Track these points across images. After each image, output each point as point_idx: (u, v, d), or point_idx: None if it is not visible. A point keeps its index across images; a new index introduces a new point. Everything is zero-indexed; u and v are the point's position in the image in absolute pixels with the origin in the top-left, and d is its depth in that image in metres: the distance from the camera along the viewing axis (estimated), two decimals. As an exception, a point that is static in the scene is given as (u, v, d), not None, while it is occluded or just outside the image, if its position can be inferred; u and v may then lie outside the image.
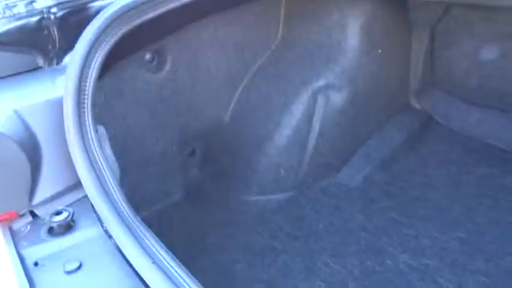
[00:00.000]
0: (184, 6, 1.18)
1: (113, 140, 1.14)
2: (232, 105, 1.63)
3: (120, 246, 0.78)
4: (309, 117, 1.52)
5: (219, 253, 1.37)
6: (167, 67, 1.43)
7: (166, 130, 1.47)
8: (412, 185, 1.55)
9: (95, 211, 0.87)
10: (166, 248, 0.80)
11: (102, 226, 0.87)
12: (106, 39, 0.98)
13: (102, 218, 0.82)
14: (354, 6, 1.55)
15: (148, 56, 1.37)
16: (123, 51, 1.25)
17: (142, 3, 1.09)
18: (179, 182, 1.62)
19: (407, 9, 1.71)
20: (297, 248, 1.35)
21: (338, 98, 1.54)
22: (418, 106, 1.86)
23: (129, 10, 1.06)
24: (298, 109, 1.52)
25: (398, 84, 1.81)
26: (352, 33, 1.53)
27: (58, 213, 0.91)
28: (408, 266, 1.26)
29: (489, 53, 1.63)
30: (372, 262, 1.28)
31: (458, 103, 1.79)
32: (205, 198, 1.61)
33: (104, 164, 0.84)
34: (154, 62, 1.40)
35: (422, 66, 1.81)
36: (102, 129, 0.98)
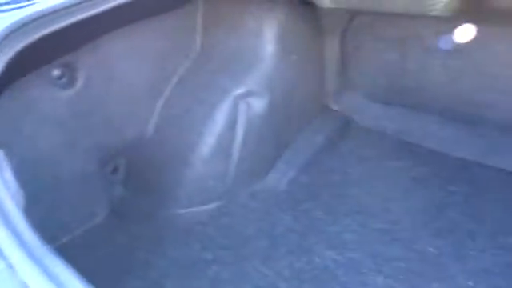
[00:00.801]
0: (94, 17, 1.13)
1: (21, 164, 1.06)
2: (153, 117, 1.60)
3: (25, 280, 0.72)
4: (231, 125, 1.54)
5: (148, 270, 1.33)
6: (80, 82, 1.37)
7: (83, 149, 1.40)
8: (334, 183, 1.62)
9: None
10: (79, 275, 0.75)
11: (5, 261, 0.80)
12: (1, 54, 0.91)
13: (3, 252, 0.76)
14: (268, 14, 1.60)
15: (56, 71, 1.29)
16: (25, 67, 1.17)
17: (45, 15, 1.03)
18: (103, 201, 1.55)
19: (318, 16, 1.80)
20: (227, 257, 1.35)
21: (258, 105, 1.57)
22: (335, 108, 1.96)
23: (29, 23, 1.00)
24: (220, 117, 1.53)
25: (316, 88, 1.90)
26: (267, 40, 1.58)
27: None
28: (334, 261, 1.31)
29: (392, 54, 1.77)
30: (301, 262, 1.32)
31: (370, 103, 1.91)
32: (131, 216, 1.56)
33: (2, 193, 0.78)
34: (64, 78, 1.33)
35: (335, 70, 1.91)
36: (0, 153, 0.90)
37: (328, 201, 1.55)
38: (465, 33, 1.56)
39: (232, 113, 1.54)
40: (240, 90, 1.55)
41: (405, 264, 1.27)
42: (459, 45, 1.60)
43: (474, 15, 1.47)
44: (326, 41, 1.87)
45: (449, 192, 1.51)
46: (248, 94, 1.56)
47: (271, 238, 1.41)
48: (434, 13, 1.24)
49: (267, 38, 1.57)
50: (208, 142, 1.52)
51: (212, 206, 1.54)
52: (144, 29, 1.48)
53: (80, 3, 1.10)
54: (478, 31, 1.52)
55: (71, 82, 1.35)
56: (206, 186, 1.53)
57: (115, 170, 1.58)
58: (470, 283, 1.20)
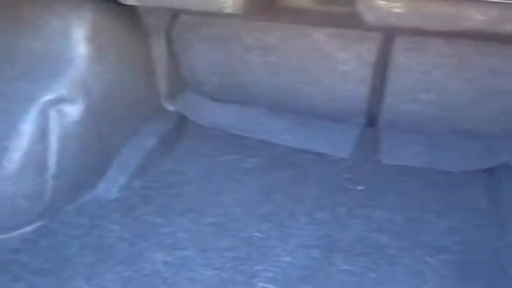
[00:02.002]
0: None
1: None
2: None
3: None
4: (42, 135, 1.39)
5: None
6: None
7: None
8: (169, 185, 1.59)
9: None
10: None
11: None
12: None
13: None
14: (75, 13, 1.49)
15: None
16: None
17: None
18: None
19: (139, 15, 1.74)
20: (44, 283, 1.21)
21: (73, 111, 1.45)
22: (171, 108, 1.93)
23: None
24: (26, 129, 1.37)
25: (147, 89, 1.84)
26: (76, 41, 1.47)
27: None
28: (164, 263, 1.28)
29: (218, 53, 1.82)
30: (129, 271, 1.26)
31: (205, 101, 1.94)
32: None
33: None
34: None
35: (167, 70, 1.88)
36: None
37: (163, 203, 1.51)
38: (274, 30, 1.68)
39: (41, 122, 1.38)
40: (48, 97, 1.41)
41: (233, 253, 1.31)
42: (273, 42, 1.71)
43: (276, 14, 1.60)
44: (152, 41, 1.83)
45: (274, 178, 1.61)
46: (59, 100, 1.42)
47: (97, 252, 1.31)
48: (227, 10, 1.29)
49: (75, 38, 1.46)
50: (14, 157, 1.34)
51: (27, 229, 1.37)
52: None
53: None
54: (282, 29, 1.66)
55: None
56: (17, 207, 1.35)
57: None
58: (289, 259, 1.28)
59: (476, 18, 1.07)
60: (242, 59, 1.78)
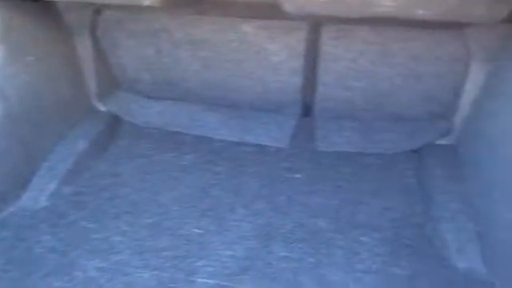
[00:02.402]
0: None
1: None
2: None
3: None
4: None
5: None
6: None
7: None
8: (102, 188, 1.53)
9: None
10: None
11: None
12: None
13: None
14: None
15: None
16: None
17: None
18: None
19: (58, 12, 1.65)
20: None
21: (-12, 117, 1.35)
22: (102, 109, 1.85)
23: None
24: None
25: (75, 90, 1.75)
26: (-14, 42, 1.36)
27: None
28: (98, 269, 1.22)
29: (147, 49, 1.76)
30: (61, 281, 1.19)
31: (138, 99, 1.88)
32: None
33: None
34: None
35: (95, 69, 1.80)
36: None
37: (96, 207, 1.44)
38: (203, 24, 1.66)
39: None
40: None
41: (171, 252, 1.28)
42: (203, 36, 1.69)
43: (203, 7, 1.57)
44: (77, 39, 1.74)
45: (212, 173, 1.59)
46: (-30, 105, 1.31)
47: (25, 265, 1.23)
48: (146, 3, 1.26)
49: (-15, 38, 1.35)
50: None
51: None
52: None
53: None
54: (211, 22, 1.64)
55: None
56: None
57: None
58: (228, 252, 1.28)
59: (386, 3, 1.11)
60: (172, 55, 1.74)
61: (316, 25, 1.58)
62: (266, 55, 1.64)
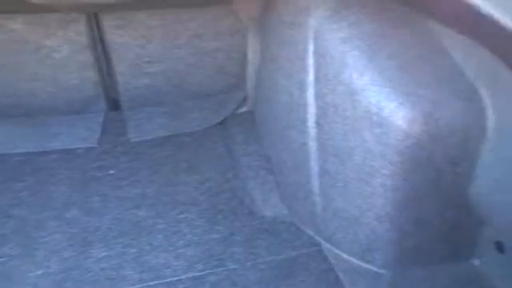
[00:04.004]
0: None
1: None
2: None
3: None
4: None
5: None
6: None
7: None
8: None
9: None
10: None
11: None
12: None
13: None
14: None
15: None
16: None
17: None
18: None
19: None
20: None
21: None
22: None
23: None
24: None
25: None
26: None
27: None
28: None
29: None
30: None
31: None
32: None
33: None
34: None
35: None
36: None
37: None
38: None
39: None
40: None
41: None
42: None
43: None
44: None
45: (14, 191, 1.44)
46: None
47: None
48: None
49: None
50: None
51: None
52: None
53: None
54: None
55: None
56: None
57: None
58: (39, 271, 1.19)
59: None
60: None
61: (92, 14, 1.52)
62: (48, 52, 1.52)
